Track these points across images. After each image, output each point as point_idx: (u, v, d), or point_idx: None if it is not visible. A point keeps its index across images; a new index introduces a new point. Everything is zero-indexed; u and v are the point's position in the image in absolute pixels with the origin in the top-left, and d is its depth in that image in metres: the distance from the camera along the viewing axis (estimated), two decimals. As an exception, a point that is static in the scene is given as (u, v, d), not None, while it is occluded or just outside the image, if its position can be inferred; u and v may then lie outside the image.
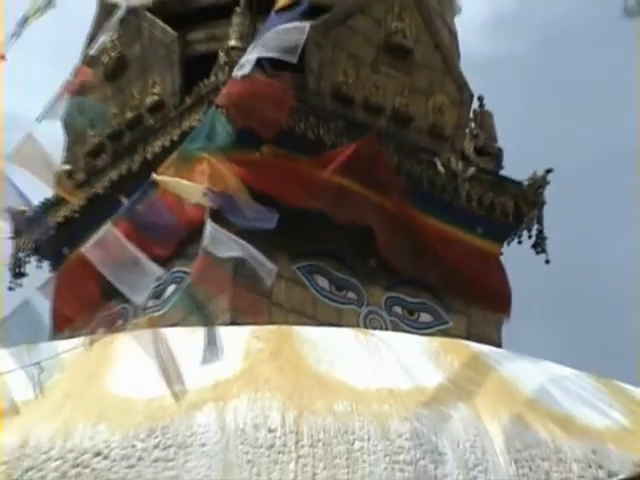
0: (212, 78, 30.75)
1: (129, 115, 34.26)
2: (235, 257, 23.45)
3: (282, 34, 25.89)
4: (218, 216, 23.20)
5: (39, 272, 34.41)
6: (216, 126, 24.75)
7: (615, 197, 75.04)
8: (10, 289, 32.84)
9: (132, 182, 26.54)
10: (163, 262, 23.68)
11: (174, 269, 30.47)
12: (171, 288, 31.25)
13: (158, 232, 22.78)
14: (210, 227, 23.17)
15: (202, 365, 22.52)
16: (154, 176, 22.58)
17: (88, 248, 22.69)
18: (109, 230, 22.71)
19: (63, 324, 29.19)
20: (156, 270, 22.65)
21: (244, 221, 23.48)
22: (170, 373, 21.39)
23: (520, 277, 35.47)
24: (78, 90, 30.53)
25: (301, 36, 25.76)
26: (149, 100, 33.93)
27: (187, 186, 22.53)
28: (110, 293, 26.12)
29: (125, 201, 23.74)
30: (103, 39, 31.40)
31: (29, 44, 29.50)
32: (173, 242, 23.18)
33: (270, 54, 25.56)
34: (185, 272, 29.51)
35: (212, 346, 22.65)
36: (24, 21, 29.19)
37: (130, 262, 22.30)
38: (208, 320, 22.88)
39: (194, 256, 23.91)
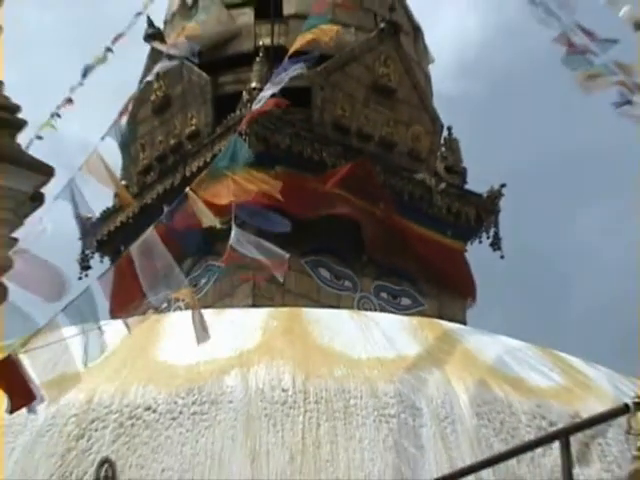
0: (237, 112, 30.92)
1: (172, 142, 34.49)
2: (253, 254, 23.90)
3: (289, 75, 26.34)
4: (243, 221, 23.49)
5: (101, 266, 34.42)
6: (238, 149, 25.15)
7: (555, 205, 75.32)
8: (79, 279, 32.96)
9: (174, 195, 26.63)
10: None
11: (207, 263, 30.79)
12: (204, 279, 31.50)
13: (183, 235, 23.07)
14: (235, 230, 23.56)
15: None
16: (187, 190, 22.80)
17: (134, 247, 22.98)
18: (151, 234, 23.04)
19: (119, 307, 29.37)
20: (178, 274, 22.96)
21: (264, 225, 23.80)
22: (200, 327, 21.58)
23: (481, 269, 35.69)
24: (132, 120, 31.05)
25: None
26: (188, 130, 34.18)
27: (204, 211, 22.81)
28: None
29: (166, 209, 23.97)
30: (152, 78, 31.89)
31: (93, 85, 29.85)
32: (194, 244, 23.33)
33: (278, 88, 25.92)
34: (215, 265, 29.84)
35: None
36: (87, 69, 29.55)
37: (161, 262, 22.63)
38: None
39: (222, 253, 24.13)
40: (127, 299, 29.71)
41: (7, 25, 15.66)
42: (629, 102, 24.06)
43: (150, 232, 22.97)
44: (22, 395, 17.42)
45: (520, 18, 26.81)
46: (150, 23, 34.92)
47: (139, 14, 32.46)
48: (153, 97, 32.82)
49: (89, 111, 29.73)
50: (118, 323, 25.33)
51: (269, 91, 26.80)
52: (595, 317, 70.55)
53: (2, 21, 15.57)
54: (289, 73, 26.98)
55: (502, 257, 35.92)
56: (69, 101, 28.67)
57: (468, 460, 17.70)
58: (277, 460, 21.92)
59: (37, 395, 17.89)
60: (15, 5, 15.58)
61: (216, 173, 24.90)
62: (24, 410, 18.18)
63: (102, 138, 27.92)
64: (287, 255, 24.11)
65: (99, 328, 21.60)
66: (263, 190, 24.15)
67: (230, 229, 23.34)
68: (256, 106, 27.04)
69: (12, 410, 17.57)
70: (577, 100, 24.97)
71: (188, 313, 25.27)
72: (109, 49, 30.98)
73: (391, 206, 33.26)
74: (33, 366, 18.81)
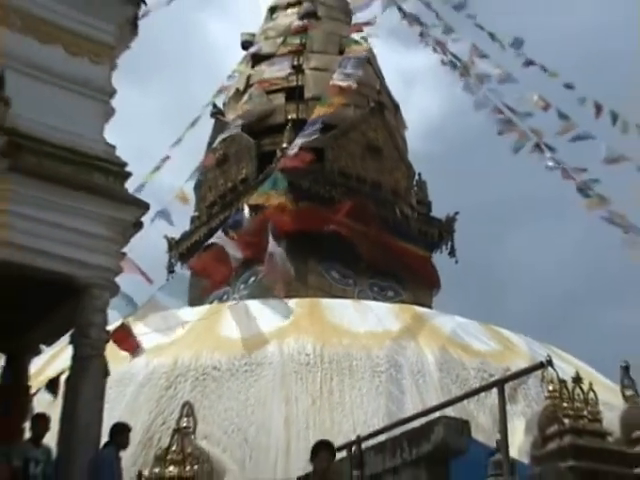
0: (273, 165, 30.87)
1: (229, 185, 34.58)
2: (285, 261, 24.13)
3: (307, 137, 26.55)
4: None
5: (182, 271, 34.48)
6: (278, 180, 25.39)
7: (497, 223, 75.46)
8: (167, 280, 32.85)
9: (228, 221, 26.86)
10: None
11: (253, 267, 30.83)
12: (252, 279, 31.52)
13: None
14: (272, 244, 23.73)
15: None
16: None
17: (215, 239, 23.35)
18: (221, 236, 23.31)
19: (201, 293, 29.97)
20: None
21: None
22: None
23: (443, 270, 35.72)
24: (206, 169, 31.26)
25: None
26: (239, 177, 34.27)
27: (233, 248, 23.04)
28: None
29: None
30: (216, 143, 32.00)
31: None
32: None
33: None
34: (258, 269, 29.94)
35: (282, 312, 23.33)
36: (179, 139, 29.93)
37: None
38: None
39: (263, 260, 24.30)
40: (204, 291, 30.34)
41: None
42: (541, 149, 24.19)
43: (220, 234, 23.37)
44: (130, 348, 17.68)
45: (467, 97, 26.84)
46: (214, 105, 35.07)
47: (208, 104, 33.01)
48: (217, 155, 32.80)
49: (173, 165, 29.84)
50: (196, 309, 25.76)
51: (297, 144, 27.25)
52: (520, 301, 70.69)
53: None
54: (309, 136, 27.29)
55: (456, 262, 36.23)
56: (167, 158, 28.91)
57: (435, 401, 17.76)
58: (303, 403, 22.06)
59: (139, 348, 18.12)
60: (123, 85, 15.59)
61: (260, 195, 25.42)
62: (131, 368, 18.44)
63: (185, 181, 28.38)
64: (292, 271, 24.70)
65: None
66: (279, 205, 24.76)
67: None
68: (290, 152, 27.51)
69: (132, 356, 18.10)
70: (507, 155, 25.05)
71: (241, 303, 25.56)
72: (192, 124, 31.45)
73: (380, 228, 33.30)
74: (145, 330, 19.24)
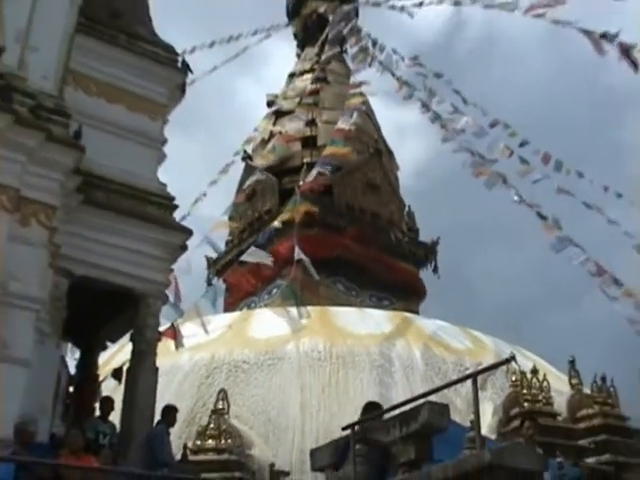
0: (292, 199, 30.93)
1: (256, 215, 34.69)
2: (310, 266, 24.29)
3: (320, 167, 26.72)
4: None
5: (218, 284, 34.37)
6: (297, 203, 25.49)
7: (472, 245, 75.28)
8: (206, 291, 32.78)
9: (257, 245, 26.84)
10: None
11: (276, 281, 30.85)
12: (275, 289, 31.55)
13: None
14: (298, 252, 23.86)
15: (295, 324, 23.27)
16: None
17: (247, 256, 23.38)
18: (254, 250, 23.37)
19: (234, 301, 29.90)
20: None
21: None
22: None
23: (428, 284, 35.72)
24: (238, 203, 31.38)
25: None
26: (264, 209, 34.43)
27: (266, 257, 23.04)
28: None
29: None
30: (248, 182, 32.08)
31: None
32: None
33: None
34: (282, 282, 29.97)
35: (300, 313, 23.35)
36: (214, 180, 30.13)
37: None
38: (299, 303, 23.55)
39: (289, 272, 24.41)
40: (236, 300, 30.28)
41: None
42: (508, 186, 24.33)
43: (253, 249, 23.40)
44: (176, 340, 17.77)
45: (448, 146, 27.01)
46: (245, 152, 35.14)
47: (238, 152, 33.18)
48: (247, 191, 32.86)
49: (213, 199, 30.00)
50: (229, 314, 25.67)
51: (313, 173, 27.38)
52: (488, 307, 70.46)
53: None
54: (322, 166, 27.45)
55: (439, 277, 36.23)
56: (204, 195, 29.04)
57: (420, 389, 17.73)
58: (315, 390, 22.12)
59: (182, 341, 18.18)
60: (172, 135, 15.74)
61: (288, 211, 25.55)
62: (178, 361, 18.61)
63: (223, 214, 28.49)
64: (317, 277, 24.75)
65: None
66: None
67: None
68: (309, 178, 27.66)
69: (177, 347, 18.13)
70: (482, 191, 25.14)
71: (265, 310, 25.56)
72: (226, 168, 31.65)
73: (378, 250, 33.40)
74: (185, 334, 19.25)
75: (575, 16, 20.98)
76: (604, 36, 20.09)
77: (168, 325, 18.17)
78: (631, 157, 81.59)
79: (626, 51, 19.16)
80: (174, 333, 17.94)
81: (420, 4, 28.66)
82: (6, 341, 10.74)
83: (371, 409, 10.44)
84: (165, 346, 16.62)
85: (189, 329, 20.66)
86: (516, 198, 24.26)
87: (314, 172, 27.93)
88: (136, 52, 15.36)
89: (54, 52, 13.00)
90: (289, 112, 36.06)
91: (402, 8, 30.23)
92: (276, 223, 25.66)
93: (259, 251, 23.27)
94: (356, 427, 12.43)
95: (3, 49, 12.11)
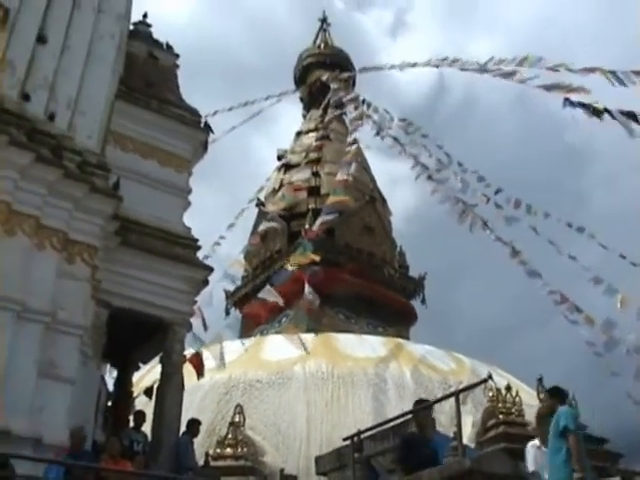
0: (300, 239, 30.94)
1: (268, 254, 34.78)
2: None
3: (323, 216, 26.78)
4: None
5: (235, 314, 34.35)
6: (305, 246, 25.52)
7: (455, 279, 75.17)
8: (225, 320, 32.81)
9: (270, 280, 26.74)
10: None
11: (285, 311, 30.80)
12: (284, 319, 31.52)
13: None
14: (307, 289, 23.86)
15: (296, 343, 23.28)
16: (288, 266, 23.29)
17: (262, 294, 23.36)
18: (268, 289, 23.29)
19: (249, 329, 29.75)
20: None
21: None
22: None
23: (418, 312, 35.66)
24: (252, 244, 31.40)
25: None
26: (275, 248, 34.53)
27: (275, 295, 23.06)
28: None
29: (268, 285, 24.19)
30: (261, 226, 32.14)
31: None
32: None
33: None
34: (291, 312, 29.92)
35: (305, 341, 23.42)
36: (231, 224, 30.30)
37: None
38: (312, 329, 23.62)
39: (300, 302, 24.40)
40: (251, 326, 30.17)
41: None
42: (486, 228, 24.48)
43: (267, 288, 23.35)
44: (199, 371, 17.62)
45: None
46: (258, 199, 35.37)
47: (252, 200, 33.44)
48: (260, 234, 32.81)
49: (231, 241, 30.16)
50: (245, 340, 25.58)
51: (317, 223, 27.40)
52: (468, 333, 70.23)
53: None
54: (325, 215, 27.46)
55: (426, 307, 36.24)
56: (222, 237, 29.16)
57: (410, 406, 17.77)
58: (319, 406, 22.02)
59: (203, 372, 18.08)
60: (196, 185, 15.95)
61: (295, 259, 25.50)
62: (200, 380, 18.40)
63: (240, 252, 28.61)
64: (318, 301, 24.73)
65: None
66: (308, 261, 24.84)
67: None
68: (315, 227, 27.65)
69: (198, 377, 17.84)
70: (464, 232, 25.30)
71: (275, 336, 25.52)
72: (242, 213, 31.89)
73: (374, 283, 33.40)
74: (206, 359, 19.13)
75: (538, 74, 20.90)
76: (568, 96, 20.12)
77: (193, 351, 18.21)
78: (589, 201, 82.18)
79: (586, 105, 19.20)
80: (198, 362, 17.85)
81: (413, 65, 28.89)
82: (55, 362, 10.88)
83: (419, 403, 10.55)
84: (189, 368, 16.67)
85: (211, 355, 20.76)
86: (493, 237, 24.43)
87: (319, 221, 27.98)
88: (166, 115, 15.65)
89: (98, 115, 13.28)
90: (296, 165, 36.37)
91: (392, 67, 30.57)
92: (289, 267, 25.64)
93: (273, 291, 23.21)
94: (355, 438, 12.61)
95: (54, 115, 12.41)
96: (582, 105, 18.81)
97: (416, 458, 9.37)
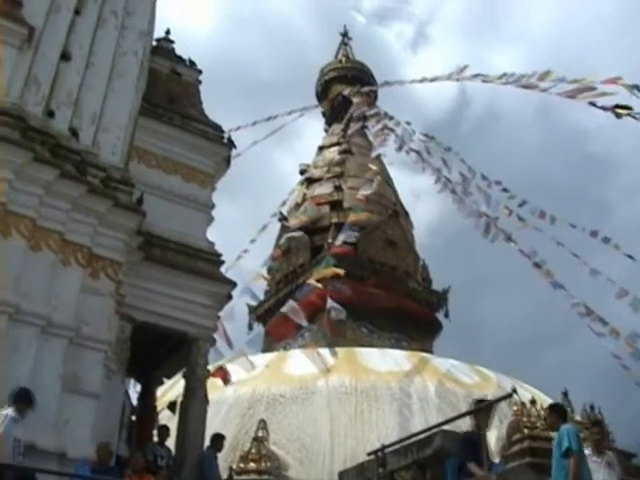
0: (323, 253, 31.05)
1: (291, 268, 34.60)
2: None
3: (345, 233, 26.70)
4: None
5: (258, 328, 34.32)
6: (329, 262, 25.52)
7: (479, 292, 74.81)
8: (247, 333, 32.78)
9: (293, 294, 26.77)
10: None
11: (307, 326, 30.68)
12: (306, 334, 31.45)
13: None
14: (330, 303, 23.79)
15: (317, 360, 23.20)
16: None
17: (285, 309, 23.34)
18: (291, 304, 23.27)
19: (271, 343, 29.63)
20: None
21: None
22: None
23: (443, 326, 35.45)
24: (275, 257, 31.46)
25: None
26: (298, 262, 34.29)
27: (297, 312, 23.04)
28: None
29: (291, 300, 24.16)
30: (283, 240, 32.19)
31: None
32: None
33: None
34: (314, 326, 29.82)
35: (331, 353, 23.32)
36: (254, 239, 30.36)
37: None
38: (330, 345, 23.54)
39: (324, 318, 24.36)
40: (274, 341, 30.10)
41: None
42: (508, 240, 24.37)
43: (291, 303, 23.34)
44: (224, 380, 17.65)
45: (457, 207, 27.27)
46: (281, 213, 35.42)
47: (275, 214, 33.48)
48: (283, 248, 32.85)
49: (254, 255, 30.24)
50: (268, 355, 25.55)
51: (341, 239, 27.36)
52: (493, 347, 69.75)
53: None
54: (347, 232, 27.44)
55: (450, 321, 35.77)
56: (246, 251, 29.22)
57: (435, 420, 17.59)
58: (342, 420, 21.85)
59: (230, 380, 18.07)
60: (219, 200, 16.01)
61: (321, 272, 25.47)
62: (224, 395, 18.55)
63: (262, 267, 28.63)
64: (344, 314, 24.66)
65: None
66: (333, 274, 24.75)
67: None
68: (337, 243, 27.59)
69: (225, 384, 17.91)
70: (487, 244, 25.18)
71: (298, 351, 25.49)
72: (264, 228, 31.95)
73: (397, 297, 33.25)
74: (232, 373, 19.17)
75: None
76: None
77: (218, 365, 18.24)
78: (614, 213, 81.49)
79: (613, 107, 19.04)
80: (223, 373, 17.92)
81: (432, 80, 28.98)
82: (79, 376, 10.93)
83: (479, 402, 10.58)
84: (213, 382, 16.69)
85: (234, 369, 20.76)
86: (516, 249, 24.38)
87: (340, 239, 27.96)
88: (189, 131, 15.76)
89: (121, 131, 13.38)
90: (319, 179, 36.40)
91: (412, 81, 30.70)
92: (312, 281, 25.60)
93: (296, 307, 23.24)
94: (379, 453, 12.53)
95: (78, 131, 12.53)
96: (606, 108, 18.76)
97: (476, 454, 9.44)
